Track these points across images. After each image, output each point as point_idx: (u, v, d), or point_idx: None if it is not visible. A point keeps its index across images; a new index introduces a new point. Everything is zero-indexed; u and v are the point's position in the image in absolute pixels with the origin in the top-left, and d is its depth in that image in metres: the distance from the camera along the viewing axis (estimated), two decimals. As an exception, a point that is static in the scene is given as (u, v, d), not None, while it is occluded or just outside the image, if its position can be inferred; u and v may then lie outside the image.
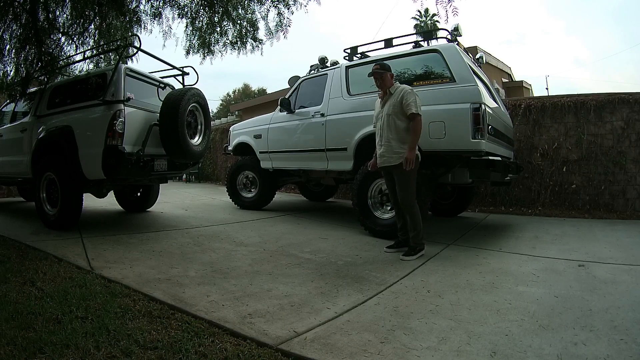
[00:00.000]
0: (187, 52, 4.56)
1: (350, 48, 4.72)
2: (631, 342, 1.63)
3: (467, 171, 3.56)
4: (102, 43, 4.56)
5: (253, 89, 43.74)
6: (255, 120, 5.79)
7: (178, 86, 4.72)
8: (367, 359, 1.54)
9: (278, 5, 4.32)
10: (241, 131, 5.92)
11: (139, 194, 5.27)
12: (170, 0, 4.36)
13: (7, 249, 3.03)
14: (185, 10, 4.42)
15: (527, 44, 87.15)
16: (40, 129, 4.12)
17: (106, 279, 2.39)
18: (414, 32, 22.50)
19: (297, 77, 5.29)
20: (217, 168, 11.65)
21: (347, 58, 4.76)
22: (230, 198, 5.88)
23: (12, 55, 4.13)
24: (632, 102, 5.28)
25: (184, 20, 4.46)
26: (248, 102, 21.22)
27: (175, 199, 6.95)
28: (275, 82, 58.63)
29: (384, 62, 3.41)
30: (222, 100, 42.74)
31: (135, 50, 4.03)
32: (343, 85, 4.48)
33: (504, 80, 16.54)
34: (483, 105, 3.40)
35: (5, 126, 4.91)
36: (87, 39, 4.45)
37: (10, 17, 3.94)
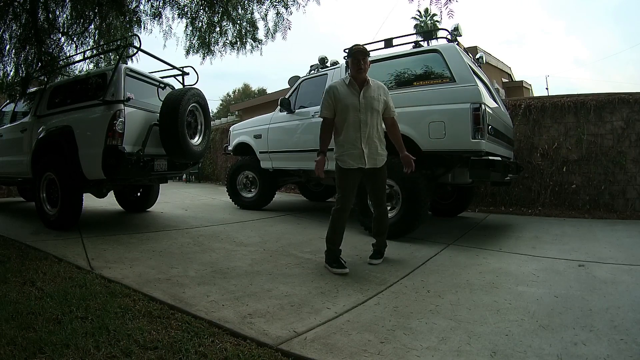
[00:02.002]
0: (187, 52, 4.57)
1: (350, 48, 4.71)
2: (631, 342, 1.63)
3: (467, 171, 3.56)
4: (102, 43, 4.56)
5: (253, 89, 43.82)
6: (255, 120, 5.79)
7: (178, 86, 4.72)
8: (367, 359, 1.54)
9: (277, 6, 4.33)
10: (241, 131, 5.92)
11: (139, 194, 5.27)
12: (170, 0, 4.37)
13: (7, 249, 3.03)
14: (185, 10, 4.42)
15: (527, 44, 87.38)
16: (40, 129, 4.12)
17: (106, 279, 2.39)
18: (414, 32, 22.52)
19: (297, 77, 5.29)
20: (217, 168, 11.65)
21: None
22: (230, 198, 5.89)
23: (12, 55, 4.14)
24: (632, 102, 5.28)
25: (184, 20, 4.47)
26: (248, 102, 21.22)
27: (175, 199, 6.96)
28: (275, 82, 58.81)
29: None
30: (222, 100, 42.83)
31: (135, 50, 4.03)
32: (343, 85, 4.48)
33: (504, 80, 16.54)
34: (483, 105, 3.40)
35: (5, 126, 4.91)
36: (87, 39, 4.47)
37: (10, 17, 3.95)
